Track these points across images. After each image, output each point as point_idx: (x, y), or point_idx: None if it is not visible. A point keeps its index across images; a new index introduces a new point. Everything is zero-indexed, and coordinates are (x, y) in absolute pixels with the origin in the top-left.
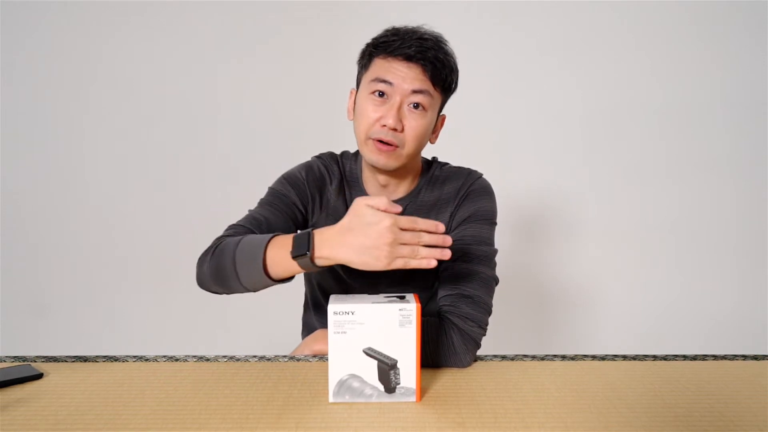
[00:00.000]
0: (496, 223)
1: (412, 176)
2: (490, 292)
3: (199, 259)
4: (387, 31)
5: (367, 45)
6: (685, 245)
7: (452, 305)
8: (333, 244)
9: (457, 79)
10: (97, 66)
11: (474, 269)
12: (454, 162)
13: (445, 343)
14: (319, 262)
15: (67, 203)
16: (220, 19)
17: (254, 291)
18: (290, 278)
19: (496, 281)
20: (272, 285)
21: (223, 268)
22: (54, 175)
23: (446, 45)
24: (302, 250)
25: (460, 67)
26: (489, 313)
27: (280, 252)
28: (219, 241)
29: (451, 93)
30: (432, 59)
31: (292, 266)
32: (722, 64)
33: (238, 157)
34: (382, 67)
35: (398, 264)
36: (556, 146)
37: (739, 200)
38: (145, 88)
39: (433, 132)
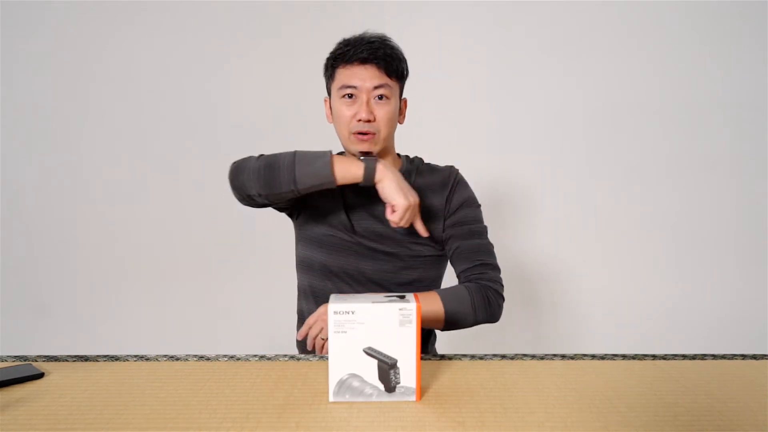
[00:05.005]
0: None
1: (391, 159)
2: (495, 257)
3: (237, 164)
4: (339, 44)
5: (327, 59)
6: (685, 245)
7: (480, 273)
8: (390, 171)
9: (407, 66)
10: (97, 66)
11: (482, 242)
12: (453, 160)
13: (482, 301)
14: (377, 174)
15: (67, 203)
16: (219, 18)
17: (299, 191)
18: (334, 188)
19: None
20: (324, 186)
21: (277, 166)
22: (54, 175)
23: (390, 41)
24: (371, 160)
25: (462, 66)
26: (500, 272)
27: (346, 156)
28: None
29: (406, 78)
30: (382, 57)
31: (356, 168)
32: (722, 64)
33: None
34: (344, 74)
35: (409, 216)
36: (556, 146)
37: (739, 200)
38: (145, 88)
39: (399, 114)
